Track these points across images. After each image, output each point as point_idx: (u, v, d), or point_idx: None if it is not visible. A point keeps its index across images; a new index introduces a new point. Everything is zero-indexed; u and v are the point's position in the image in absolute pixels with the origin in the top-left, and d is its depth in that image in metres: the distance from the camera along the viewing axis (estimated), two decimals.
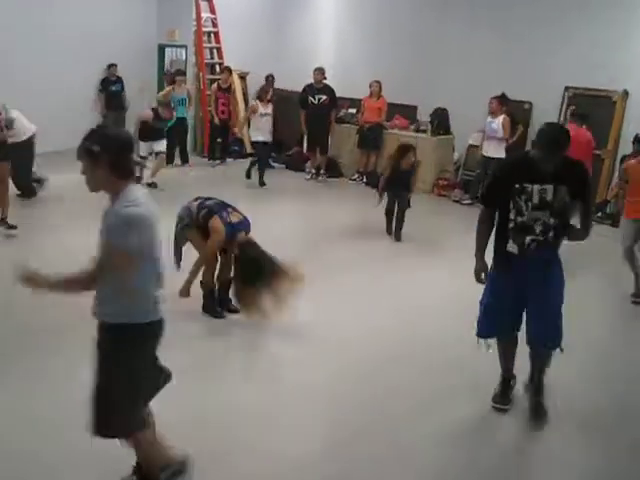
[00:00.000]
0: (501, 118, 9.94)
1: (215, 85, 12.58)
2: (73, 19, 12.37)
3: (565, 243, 4.28)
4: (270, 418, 4.20)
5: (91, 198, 3.31)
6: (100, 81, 13.18)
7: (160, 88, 13.43)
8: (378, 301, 6.27)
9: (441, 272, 7.07)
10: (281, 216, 9.36)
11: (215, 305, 5.74)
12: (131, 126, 13.43)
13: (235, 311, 5.72)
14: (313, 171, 12.04)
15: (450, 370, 4.97)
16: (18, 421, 3.96)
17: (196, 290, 5.67)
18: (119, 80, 13.26)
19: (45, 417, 4.00)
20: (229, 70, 12.65)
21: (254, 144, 11.58)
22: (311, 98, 11.66)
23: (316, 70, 11.67)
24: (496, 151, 9.88)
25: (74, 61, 12.48)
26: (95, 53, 12.78)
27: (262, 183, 11.09)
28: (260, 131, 11.10)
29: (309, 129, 11.84)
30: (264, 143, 11.18)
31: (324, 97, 11.62)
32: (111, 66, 13.09)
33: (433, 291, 6.56)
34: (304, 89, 11.82)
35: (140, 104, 13.38)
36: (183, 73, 12.21)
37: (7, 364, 4.62)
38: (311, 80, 11.78)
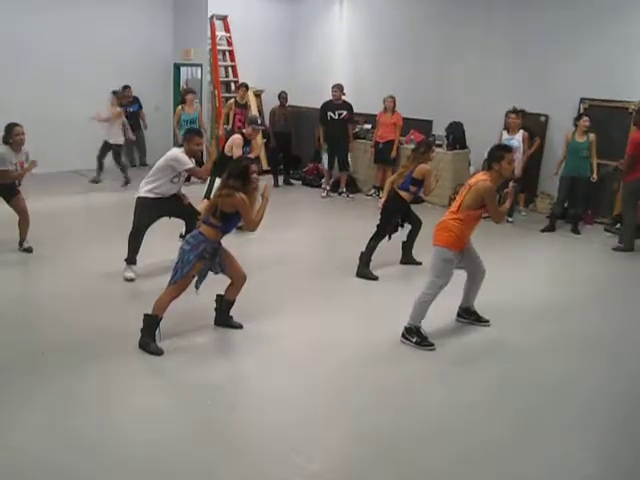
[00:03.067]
0: (520, 134, 10.01)
1: (232, 101, 12.61)
2: (89, 39, 12.59)
3: None
4: (288, 437, 4.17)
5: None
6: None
7: (176, 105, 13.56)
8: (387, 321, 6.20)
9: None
10: (295, 233, 9.38)
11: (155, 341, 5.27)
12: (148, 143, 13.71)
13: (239, 327, 5.73)
14: (328, 188, 12.00)
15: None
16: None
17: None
18: (136, 100, 13.37)
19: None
20: (246, 87, 12.67)
21: None
22: (331, 114, 11.68)
23: (334, 87, 11.69)
24: (516, 167, 10.01)
25: (90, 81, 12.66)
26: (111, 73, 12.94)
27: None
28: None
29: (330, 145, 11.86)
30: None
31: (344, 112, 11.65)
32: (125, 88, 13.14)
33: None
34: (323, 106, 11.83)
35: (157, 123, 13.58)
36: (193, 91, 12.25)
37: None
38: (328, 97, 11.81)
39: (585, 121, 9.50)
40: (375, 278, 7.27)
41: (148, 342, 5.21)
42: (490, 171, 5.57)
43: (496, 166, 5.51)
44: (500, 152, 5.59)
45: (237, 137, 8.68)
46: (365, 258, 7.35)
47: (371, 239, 7.42)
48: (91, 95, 12.58)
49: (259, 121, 9.08)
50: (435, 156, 7.69)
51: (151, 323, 5.23)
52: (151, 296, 5.36)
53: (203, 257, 5.22)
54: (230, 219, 5.30)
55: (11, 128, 7.37)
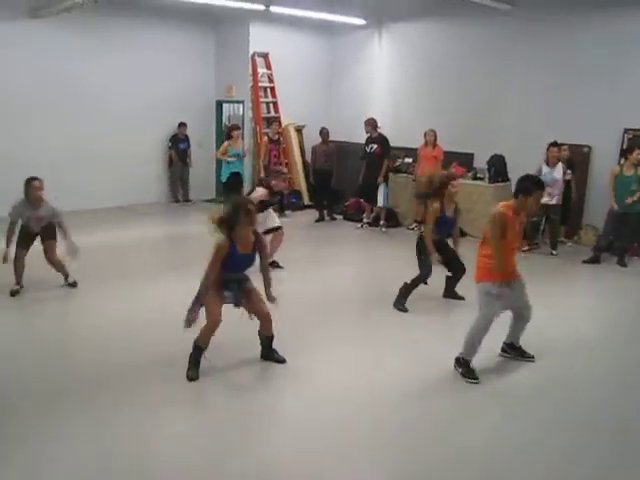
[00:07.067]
0: (560, 166, 9.89)
1: (265, 138, 12.75)
2: (135, 78, 12.99)
3: None
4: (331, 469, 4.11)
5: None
6: (170, 137, 13.63)
7: (218, 142, 13.74)
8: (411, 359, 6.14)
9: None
10: (334, 267, 9.35)
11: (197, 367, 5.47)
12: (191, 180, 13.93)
13: (283, 361, 5.71)
14: (365, 221, 12.04)
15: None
16: None
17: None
18: (187, 138, 13.70)
19: None
20: (279, 122, 12.88)
21: None
22: (366, 147, 11.80)
23: (365, 122, 11.82)
24: (557, 197, 10.06)
25: (135, 118, 13.08)
26: (156, 110, 13.33)
27: None
28: None
29: (362, 179, 11.96)
30: None
31: (375, 146, 11.69)
32: (181, 125, 13.62)
33: None
34: (365, 140, 11.98)
35: (199, 159, 13.83)
36: (239, 127, 12.46)
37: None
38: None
39: (638, 154, 9.23)
40: (405, 310, 7.22)
41: (189, 367, 5.42)
42: (515, 200, 5.36)
43: (522, 198, 5.28)
44: (530, 185, 5.30)
45: (262, 192, 8.20)
46: (402, 291, 7.32)
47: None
48: (137, 133, 12.97)
49: (283, 170, 9.36)
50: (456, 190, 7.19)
51: (195, 351, 5.43)
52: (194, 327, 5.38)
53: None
54: (229, 261, 5.29)
55: (28, 182, 7.24)
